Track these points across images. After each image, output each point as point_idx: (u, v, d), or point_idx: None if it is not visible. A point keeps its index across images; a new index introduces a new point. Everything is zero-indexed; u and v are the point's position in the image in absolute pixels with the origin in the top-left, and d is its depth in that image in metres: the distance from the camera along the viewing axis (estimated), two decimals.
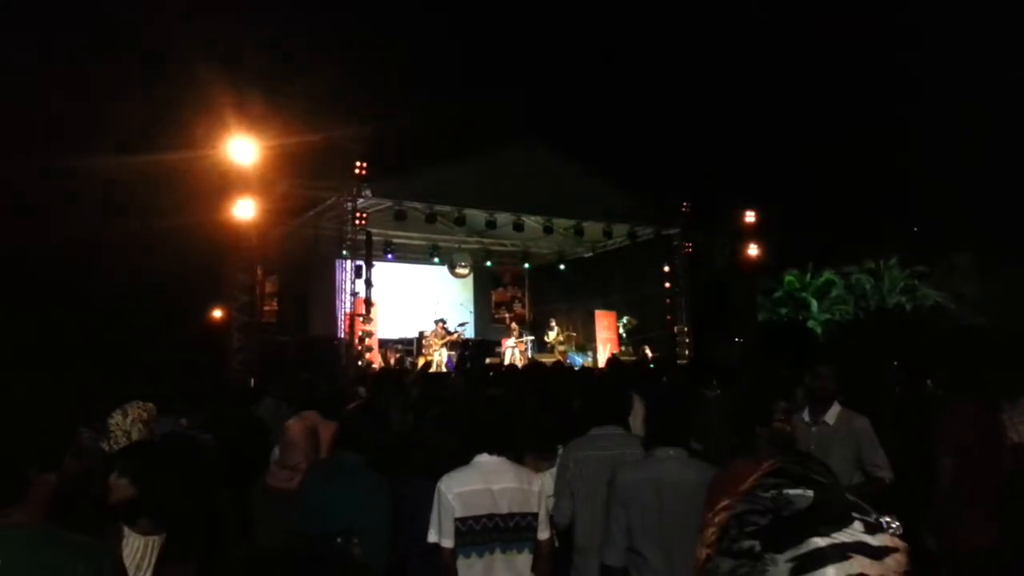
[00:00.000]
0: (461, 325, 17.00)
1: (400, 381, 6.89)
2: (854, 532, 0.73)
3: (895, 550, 0.73)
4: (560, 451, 3.78)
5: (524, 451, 3.77)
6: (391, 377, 7.70)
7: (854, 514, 0.74)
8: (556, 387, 5.87)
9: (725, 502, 0.82)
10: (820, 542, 0.72)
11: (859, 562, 0.71)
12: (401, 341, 17.35)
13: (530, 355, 17.34)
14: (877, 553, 0.72)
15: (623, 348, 17.98)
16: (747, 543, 0.75)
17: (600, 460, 3.48)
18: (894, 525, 0.75)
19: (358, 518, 3.10)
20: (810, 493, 0.76)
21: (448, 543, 3.06)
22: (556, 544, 3.53)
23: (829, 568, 0.70)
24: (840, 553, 0.71)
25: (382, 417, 3.63)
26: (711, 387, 5.61)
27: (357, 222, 13.73)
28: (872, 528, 0.74)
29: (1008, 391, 4.48)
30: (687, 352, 17.01)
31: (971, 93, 32.42)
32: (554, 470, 3.75)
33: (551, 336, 17.81)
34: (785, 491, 0.77)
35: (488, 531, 3.08)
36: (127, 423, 3.61)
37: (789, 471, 0.81)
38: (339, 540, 2.98)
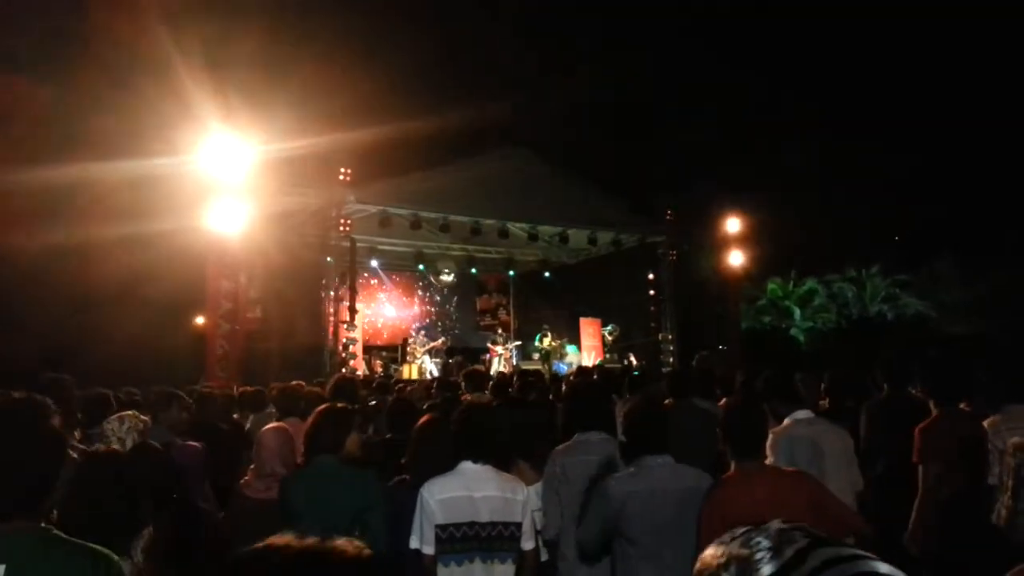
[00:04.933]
0: (444, 336, 17.03)
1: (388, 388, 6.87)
2: None
3: None
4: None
5: (513, 461, 3.74)
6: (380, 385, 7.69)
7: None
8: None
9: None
10: None
11: None
12: (385, 348, 17.30)
13: (515, 362, 17.34)
14: None
15: (608, 355, 18.02)
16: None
17: (585, 465, 3.44)
18: None
19: (355, 516, 3.08)
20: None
21: (429, 550, 3.04)
22: (546, 557, 3.50)
23: None
24: None
25: (351, 419, 3.59)
26: (700, 396, 5.57)
27: (341, 228, 13.68)
28: None
29: (990, 398, 4.50)
30: (671, 360, 17.06)
31: (953, 98, 32.78)
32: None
33: (545, 342, 17.81)
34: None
35: (468, 539, 3.05)
36: (123, 430, 3.59)
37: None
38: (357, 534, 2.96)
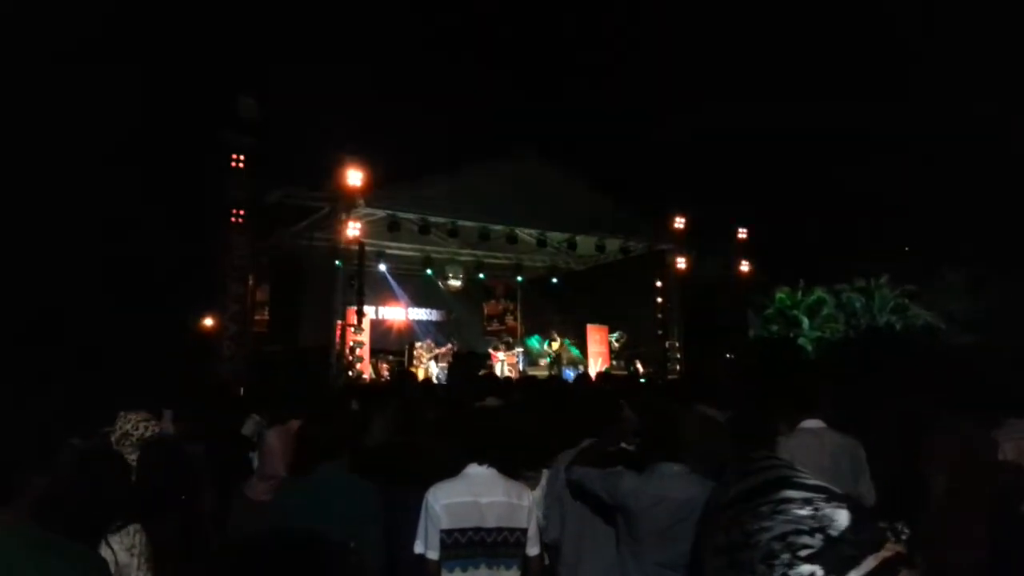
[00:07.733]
0: (450, 341, 17.05)
1: (387, 392, 6.85)
2: (890, 545, 0.73)
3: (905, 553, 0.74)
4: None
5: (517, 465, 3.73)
6: (378, 388, 7.67)
7: (880, 524, 0.76)
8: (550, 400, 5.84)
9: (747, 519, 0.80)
10: (873, 562, 0.71)
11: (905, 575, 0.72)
12: (392, 352, 17.33)
13: (521, 368, 17.33)
14: (911, 561, 0.73)
15: (614, 363, 17.99)
16: (806, 568, 0.73)
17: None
18: (907, 530, 0.76)
19: (351, 527, 3.06)
20: (844, 508, 0.77)
21: (433, 555, 3.02)
22: (546, 562, 3.49)
23: None
24: (892, 570, 0.72)
25: (345, 423, 3.57)
26: (707, 404, 5.54)
27: (350, 233, 13.72)
28: (896, 535, 0.75)
29: (1000, 408, 4.47)
30: (678, 368, 17.02)
31: (961, 109, 32.66)
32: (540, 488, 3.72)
33: (554, 347, 17.80)
34: (823, 508, 0.77)
35: (473, 545, 3.03)
36: (147, 430, 3.69)
37: (798, 479, 0.80)
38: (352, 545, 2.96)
